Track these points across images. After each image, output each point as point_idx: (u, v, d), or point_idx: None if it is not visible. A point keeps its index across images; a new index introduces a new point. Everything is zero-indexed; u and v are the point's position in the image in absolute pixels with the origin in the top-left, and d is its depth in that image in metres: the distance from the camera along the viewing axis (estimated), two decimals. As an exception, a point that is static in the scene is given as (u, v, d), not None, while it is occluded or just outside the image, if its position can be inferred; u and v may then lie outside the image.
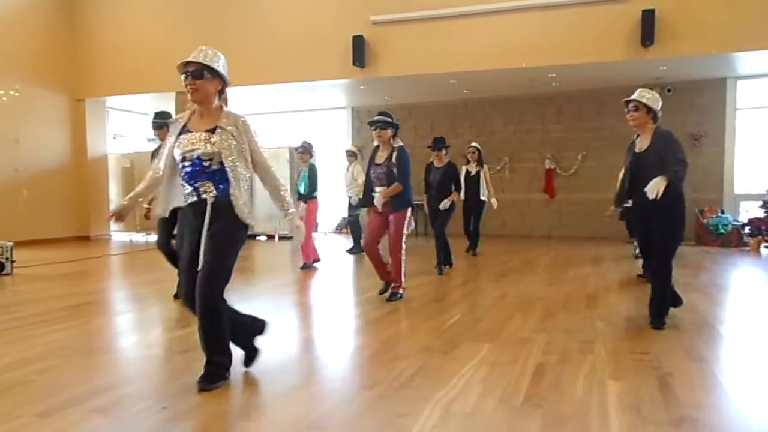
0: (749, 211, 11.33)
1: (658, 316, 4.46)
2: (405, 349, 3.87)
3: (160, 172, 3.22)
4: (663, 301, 4.49)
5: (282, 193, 3.27)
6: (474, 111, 13.86)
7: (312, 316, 5.03)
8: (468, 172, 9.25)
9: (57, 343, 4.10)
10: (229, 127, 3.09)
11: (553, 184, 13.35)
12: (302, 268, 7.89)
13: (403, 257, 5.57)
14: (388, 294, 5.58)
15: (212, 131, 3.07)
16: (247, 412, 2.79)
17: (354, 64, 10.98)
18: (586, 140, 12.94)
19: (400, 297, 5.56)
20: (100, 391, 3.05)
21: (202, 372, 3.07)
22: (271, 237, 12.88)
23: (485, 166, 9.44)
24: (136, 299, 6.13)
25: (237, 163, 3.08)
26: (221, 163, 3.04)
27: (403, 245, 5.54)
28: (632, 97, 4.41)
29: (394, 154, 5.41)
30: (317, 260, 8.19)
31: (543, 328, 4.45)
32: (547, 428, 2.56)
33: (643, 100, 4.35)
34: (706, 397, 2.99)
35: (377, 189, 5.46)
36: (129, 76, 12.71)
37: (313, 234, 8.39)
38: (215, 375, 3.08)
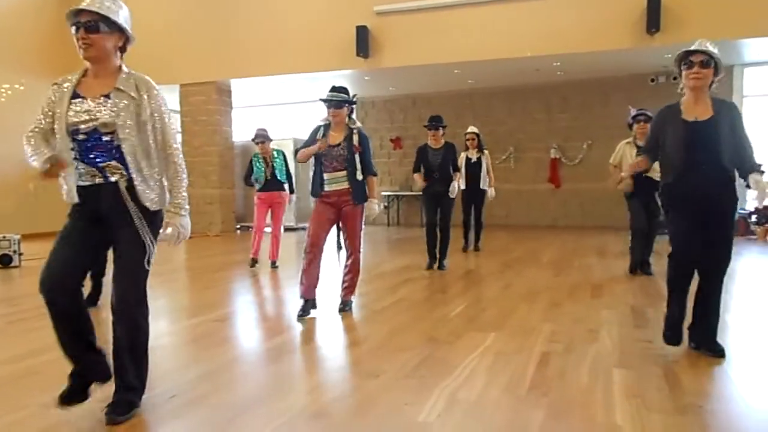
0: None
1: (715, 340, 3.48)
2: (410, 339, 3.88)
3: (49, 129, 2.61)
4: (717, 320, 3.51)
5: (183, 186, 2.70)
6: (478, 101, 13.82)
7: (316, 307, 5.03)
8: (468, 159, 8.56)
9: (64, 335, 4.12)
10: (128, 91, 2.56)
11: (558, 173, 13.31)
12: (274, 266, 7.29)
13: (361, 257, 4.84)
14: (340, 303, 4.82)
15: (108, 96, 2.54)
16: (252, 402, 2.81)
17: (358, 54, 10.95)
18: (591, 129, 12.90)
19: (351, 306, 4.87)
20: (107, 382, 3.07)
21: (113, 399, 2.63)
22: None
23: (486, 151, 8.83)
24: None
25: (137, 137, 2.55)
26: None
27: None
28: (698, 48, 3.37)
29: (356, 137, 4.58)
30: (255, 259, 7.39)
31: (548, 318, 4.45)
32: (552, 416, 2.57)
33: (715, 55, 3.37)
34: (711, 386, 2.99)
35: (327, 176, 4.58)
36: (132, 68, 12.75)
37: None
38: (126, 403, 2.61)
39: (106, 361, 2.70)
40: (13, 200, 11.76)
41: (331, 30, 11.22)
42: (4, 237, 7.68)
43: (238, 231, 13.46)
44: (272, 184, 7.27)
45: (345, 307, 4.79)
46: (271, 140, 7.39)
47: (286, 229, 12.58)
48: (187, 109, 12.80)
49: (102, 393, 2.85)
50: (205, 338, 4.04)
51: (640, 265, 6.35)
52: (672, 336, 3.46)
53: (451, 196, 6.94)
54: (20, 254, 7.79)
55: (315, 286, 4.64)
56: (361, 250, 4.88)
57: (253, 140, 7.36)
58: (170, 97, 12.80)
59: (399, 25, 10.89)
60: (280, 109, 15.61)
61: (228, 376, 3.21)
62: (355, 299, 4.98)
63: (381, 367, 3.29)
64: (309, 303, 4.62)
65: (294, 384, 3.10)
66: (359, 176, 4.59)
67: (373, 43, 11.00)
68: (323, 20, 11.31)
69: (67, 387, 2.60)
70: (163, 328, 4.39)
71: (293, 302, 5.23)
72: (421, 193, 7.25)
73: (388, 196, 14.73)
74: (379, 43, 11.02)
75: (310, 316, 4.59)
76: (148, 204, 2.58)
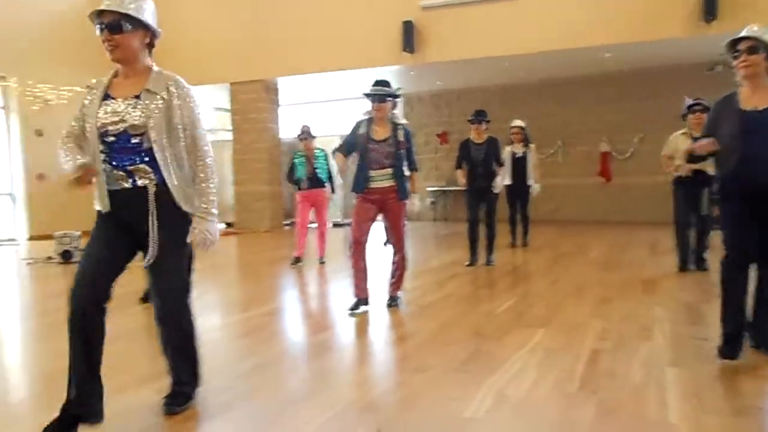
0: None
1: None
2: (457, 334, 3.89)
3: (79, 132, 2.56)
4: None
5: (211, 190, 2.57)
6: (525, 94, 13.61)
7: (368, 303, 5.09)
8: (514, 154, 8.44)
9: (124, 327, 4.29)
10: (158, 92, 2.47)
11: (609, 167, 13.02)
12: (321, 262, 7.35)
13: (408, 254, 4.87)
14: (387, 299, 4.87)
15: (139, 97, 2.47)
16: (302, 395, 2.87)
17: (404, 50, 10.95)
18: (643, 122, 12.55)
19: (399, 302, 4.90)
20: (166, 373, 3.18)
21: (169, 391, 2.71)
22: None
23: (532, 145, 8.63)
24: (196, 285, 6.33)
25: (168, 139, 2.47)
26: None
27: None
28: (745, 34, 3.18)
29: (401, 132, 4.57)
30: (300, 258, 7.31)
31: (598, 314, 4.38)
32: (602, 415, 2.54)
33: (763, 39, 3.12)
34: (770, 386, 2.89)
35: (372, 173, 4.54)
36: (183, 69, 12.99)
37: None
38: (182, 395, 2.70)
39: (102, 397, 2.48)
40: (73, 198, 12.24)
41: (376, 26, 11.25)
42: (65, 234, 8.04)
43: (287, 227, 13.66)
44: (314, 182, 7.27)
45: (393, 303, 4.84)
46: (314, 137, 7.40)
47: (335, 225, 12.77)
48: (237, 107, 13.06)
49: (161, 383, 2.97)
50: (257, 332, 4.14)
51: (694, 262, 6.14)
52: (730, 351, 3.19)
53: (495, 192, 6.91)
54: (80, 250, 8.12)
55: (366, 284, 4.70)
56: (406, 245, 4.90)
57: (298, 137, 7.42)
58: (221, 96, 13.13)
59: (445, 19, 10.82)
60: (327, 106, 15.74)
61: (278, 370, 3.29)
62: (402, 294, 5.01)
63: (428, 362, 3.31)
64: (361, 301, 4.69)
65: (342, 378, 3.15)
66: (404, 172, 4.61)
67: (418, 38, 10.98)
68: (369, 16, 11.34)
69: (55, 419, 2.37)
70: (216, 322, 4.52)
71: (341, 297, 5.30)
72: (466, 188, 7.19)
73: (435, 191, 14.70)
74: (425, 38, 10.99)
75: (360, 311, 4.64)
76: (179, 207, 2.50)
